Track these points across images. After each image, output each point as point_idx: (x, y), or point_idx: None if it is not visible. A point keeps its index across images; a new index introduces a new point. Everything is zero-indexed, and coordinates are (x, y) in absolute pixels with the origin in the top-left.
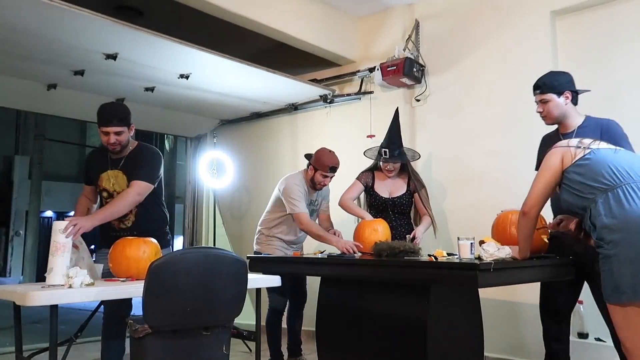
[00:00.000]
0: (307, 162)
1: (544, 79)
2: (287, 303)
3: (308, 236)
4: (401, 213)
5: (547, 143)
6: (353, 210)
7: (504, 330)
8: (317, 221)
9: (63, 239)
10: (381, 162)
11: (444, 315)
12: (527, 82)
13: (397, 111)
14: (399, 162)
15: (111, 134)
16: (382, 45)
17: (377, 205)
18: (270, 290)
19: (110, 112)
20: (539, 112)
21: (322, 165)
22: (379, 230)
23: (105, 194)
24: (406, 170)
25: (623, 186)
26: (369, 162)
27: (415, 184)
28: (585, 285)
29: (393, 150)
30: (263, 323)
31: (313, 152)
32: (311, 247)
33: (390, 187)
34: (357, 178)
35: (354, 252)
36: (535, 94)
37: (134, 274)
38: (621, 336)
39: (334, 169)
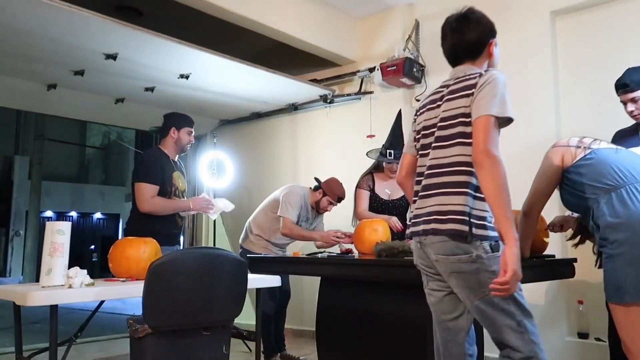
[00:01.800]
0: (315, 184)
1: (630, 76)
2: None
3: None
4: (401, 215)
5: (620, 138)
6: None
7: None
8: None
9: (61, 239)
10: (385, 163)
11: None
12: (527, 81)
13: (399, 113)
14: None
15: (192, 134)
16: (382, 45)
17: (376, 208)
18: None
19: (190, 117)
20: (630, 111)
21: (332, 193)
22: (379, 231)
23: (177, 192)
24: None
25: (626, 186)
26: (368, 163)
27: None
28: (585, 284)
29: (398, 151)
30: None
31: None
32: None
33: (390, 189)
34: (359, 187)
35: (340, 238)
36: (621, 94)
37: (134, 274)
38: (622, 336)
39: (340, 199)
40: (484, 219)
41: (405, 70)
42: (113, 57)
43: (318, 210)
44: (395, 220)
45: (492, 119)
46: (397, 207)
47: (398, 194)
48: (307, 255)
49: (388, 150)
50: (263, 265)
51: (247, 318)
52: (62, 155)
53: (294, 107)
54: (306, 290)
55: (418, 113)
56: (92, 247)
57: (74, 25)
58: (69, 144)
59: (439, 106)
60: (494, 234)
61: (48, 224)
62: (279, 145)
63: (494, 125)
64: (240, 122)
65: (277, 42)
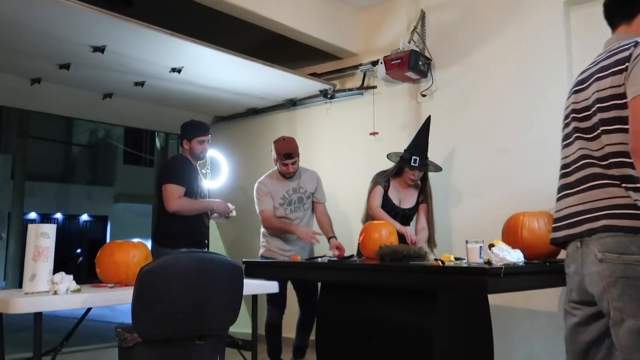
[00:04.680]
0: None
1: None
2: (299, 314)
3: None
4: (408, 222)
5: None
6: (387, 221)
7: (515, 339)
8: (311, 213)
9: (46, 243)
10: (407, 169)
11: (451, 323)
12: (540, 75)
13: (429, 118)
14: (423, 172)
15: (205, 142)
16: (386, 37)
17: (386, 211)
18: (267, 301)
19: (205, 124)
20: None
21: (278, 154)
22: (385, 234)
23: (202, 195)
24: (422, 182)
25: None
26: (369, 161)
27: (425, 197)
28: None
29: (423, 159)
30: (260, 332)
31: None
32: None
33: (402, 197)
34: (376, 182)
35: (314, 241)
36: None
37: (123, 280)
38: None
39: (288, 155)
40: None
41: (411, 64)
42: (101, 49)
43: (285, 176)
44: (411, 233)
45: None
46: (405, 216)
47: (407, 203)
48: (306, 260)
49: (413, 157)
50: (260, 270)
51: (243, 326)
52: (46, 154)
53: (292, 103)
54: None
55: (567, 97)
56: (79, 251)
57: (60, 16)
58: (54, 141)
59: (588, 87)
60: None
61: (31, 226)
62: None
63: None
64: (235, 118)
65: (274, 34)
